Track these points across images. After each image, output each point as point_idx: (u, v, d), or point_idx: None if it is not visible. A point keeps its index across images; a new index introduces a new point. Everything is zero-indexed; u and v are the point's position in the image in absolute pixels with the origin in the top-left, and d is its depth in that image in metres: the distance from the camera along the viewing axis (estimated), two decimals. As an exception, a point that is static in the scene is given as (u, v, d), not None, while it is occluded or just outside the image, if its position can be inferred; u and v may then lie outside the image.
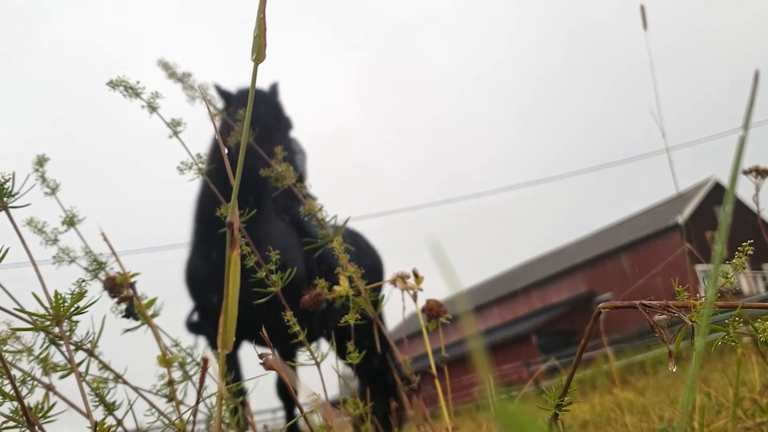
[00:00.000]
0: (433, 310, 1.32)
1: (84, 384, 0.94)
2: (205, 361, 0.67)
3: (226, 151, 0.73)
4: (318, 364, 1.24)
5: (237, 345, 3.51)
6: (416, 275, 1.34)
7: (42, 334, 1.14)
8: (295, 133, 3.74)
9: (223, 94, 3.38)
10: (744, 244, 0.79)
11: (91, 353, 1.15)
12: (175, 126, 1.53)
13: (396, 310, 1.32)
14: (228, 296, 0.58)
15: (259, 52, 0.56)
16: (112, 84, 1.40)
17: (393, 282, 1.34)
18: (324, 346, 3.35)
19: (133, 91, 1.42)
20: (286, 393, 3.79)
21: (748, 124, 0.40)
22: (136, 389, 1.25)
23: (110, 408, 1.19)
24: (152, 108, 1.45)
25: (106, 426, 0.90)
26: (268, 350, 0.93)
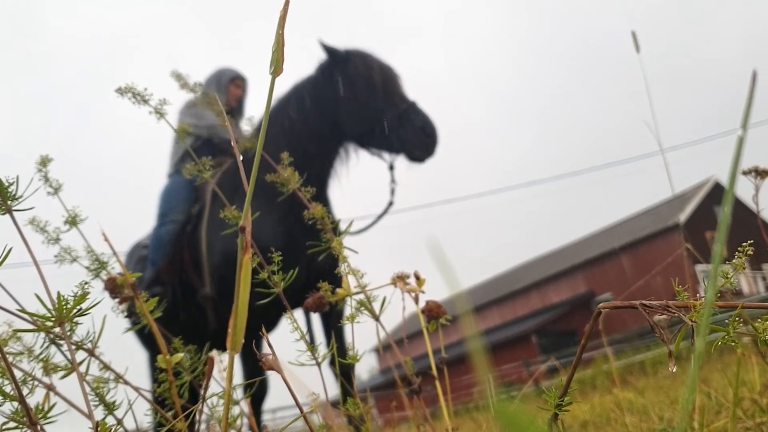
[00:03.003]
0: (432, 312, 1.32)
1: (84, 384, 0.94)
2: (210, 360, 0.67)
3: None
4: (319, 364, 1.24)
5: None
6: (417, 278, 1.34)
7: (42, 335, 1.14)
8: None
9: (329, 50, 3.53)
10: (744, 244, 0.79)
11: (91, 353, 1.15)
12: (181, 132, 1.54)
13: (396, 310, 1.32)
14: (239, 299, 0.58)
15: (276, 66, 0.58)
16: (121, 91, 1.41)
17: (393, 283, 1.34)
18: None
19: (141, 98, 1.43)
20: (256, 401, 3.58)
21: (746, 123, 0.40)
22: (136, 389, 1.25)
23: (110, 408, 1.19)
24: (160, 114, 1.46)
25: (107, 426, 0.90)
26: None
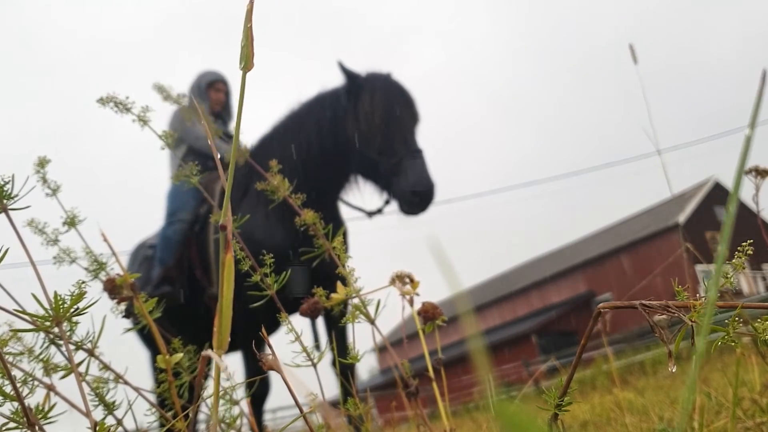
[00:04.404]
0: (428, 313, 1.32)
1: (84, 384, 0.94)
2: (204, 360, 0.67)
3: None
4: (314, 365, 1.24)
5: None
6: (411, 280, 1.34)
7: (42, 335, 1.14)
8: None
9: (349, 74, 3.40)
10: (744, 244, 0.79)
11: (91, 353, 1.15)
12: (167, 138, 1.55)
13: (396, 309, 1.32)
14: (223, 297, 0.58)
15: (247, 61, 0.56)
16: (102, 101, 1.43)
17: (392, 283, 1.34)
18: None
19: (123, 107, 1.44)
20: (258, 401, 3.54)
21: (754, 123, 0.40)
22: (136, 389, 1.25)
23: (110, 408, 1.19)
24: (143, 122, 1.47)
25: (106, 426, 0.90)
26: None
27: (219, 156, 0.70)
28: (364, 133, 3.27)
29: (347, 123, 3.33)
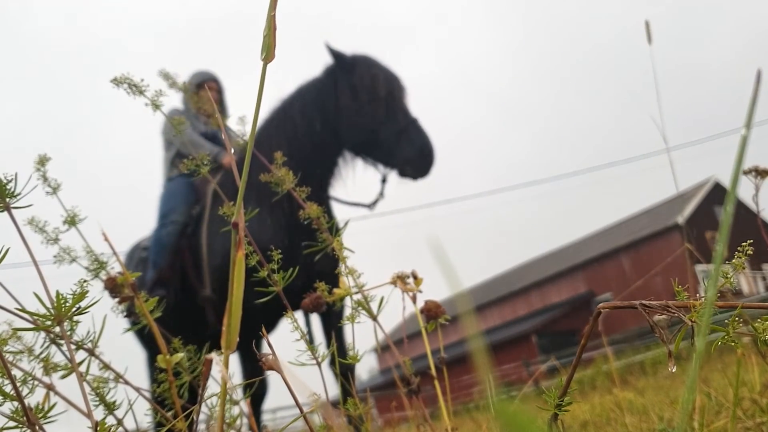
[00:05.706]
0: (431, 311, 1.32)
1: (84, 384, 0.94)
2: (208, 360, 0.67)
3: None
4: (319, 364, 1.24)
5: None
6: (415, 277, 1.33)
7: (43, 334, 1.14)
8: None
9: (336, 55, 3.47)
10: (744, 244, 0.79)
11: (91, 353, 1.15)
12: (178, 125, 1.53)
13: (396, 310, 1.32)
14: (232, 296, 0.58)
15: (268, 52, 0.53)
16: (116, 81, 1.39)
17: (393, 282, 1.34)
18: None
19: (137, 89, 1.41)
20: (256, 401, 3.52)
21: (750, 123, 0.40)
22: (137, 389, 1.25)
23: (110, 408, 1.19)
24: (156, 106, 1.44)
25: (106, 426, 0.90)
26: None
27: (212, 156, 0.69)
28: (366, 104, 3.35)
29: (341, 99, 3.38)
